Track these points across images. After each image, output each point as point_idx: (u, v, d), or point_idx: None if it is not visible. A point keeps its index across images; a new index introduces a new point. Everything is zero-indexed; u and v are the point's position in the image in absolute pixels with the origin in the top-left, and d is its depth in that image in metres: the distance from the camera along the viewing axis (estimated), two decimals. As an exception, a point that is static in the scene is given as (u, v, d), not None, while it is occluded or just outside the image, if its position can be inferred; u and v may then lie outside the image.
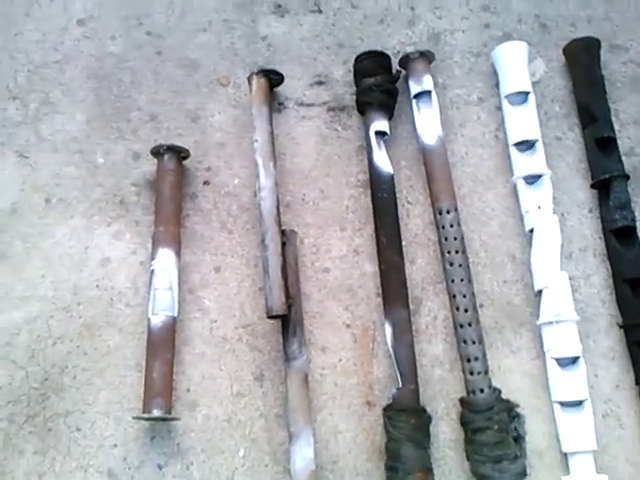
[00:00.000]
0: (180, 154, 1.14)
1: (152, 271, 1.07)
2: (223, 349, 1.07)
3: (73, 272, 1.11)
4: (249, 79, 1.17)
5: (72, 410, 1.04)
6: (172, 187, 1.12)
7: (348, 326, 1.09)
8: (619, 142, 1.17)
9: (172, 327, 1.05)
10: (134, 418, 1.01)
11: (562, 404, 1.02)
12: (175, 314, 1.06)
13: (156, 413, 0.98)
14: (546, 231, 1.08)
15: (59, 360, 1.07)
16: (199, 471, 1.01)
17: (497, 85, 1.22)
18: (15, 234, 1.14)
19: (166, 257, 1.07)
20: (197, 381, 1.06)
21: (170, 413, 1.00)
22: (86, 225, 1.14)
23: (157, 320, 1.04)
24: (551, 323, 1.04)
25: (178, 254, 1.09)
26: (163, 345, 1.03)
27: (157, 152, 1.13)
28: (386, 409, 1.02)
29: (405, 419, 0.98)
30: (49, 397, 1.05)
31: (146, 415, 0.99)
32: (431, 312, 1.10)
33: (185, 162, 1.17)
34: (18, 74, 1.25)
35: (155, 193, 1.13)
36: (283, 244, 1.07)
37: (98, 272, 1.11)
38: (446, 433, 1.03)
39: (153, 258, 1.07)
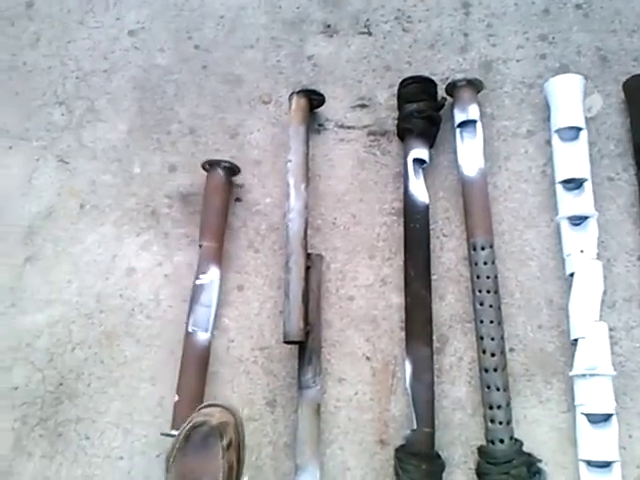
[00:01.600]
0: (232, 171, 1.15)
1: (201, 285, 1.06)
2: (238, 370, 1.05)
3: (99, 279, 1.12)
4: (289, 98, 1.16)
5: (83, 417, 1.05)
6: (223, 204, 1.12)
7: (368, 359, 1.05)
8: (677, 187, 1.09)
9: (209, 346, 1.05)
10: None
11: (589, 464, 0.94)
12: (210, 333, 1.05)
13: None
14: (587, 277, 1.01)
15: (76, 366, 1.07)
16: (200, 494, 0.98)
17: (549, 119, 1.16)
18: (47, 237, 1.16)
19: (214, 274, 1.07)
20: (208, 401, 1.03)
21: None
22: (116, 234, 1.15)
23: (200, 337, 1.03)
24: (584, 376, 0.97)
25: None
26: (201, 363, 1.03)
27: (210, 166, 1.13)
28: (398, 450, 0.97)
29: (416, 464, 0.93)
30: (62, 402, 1.06)
31: (175, 432, 0.95)
32: (457, 352, 1.04)
33: (221, 178, 1.16)
34: (67, 80, 1.29)
35: (204, 208, 1.12)
36: (307, 268, 1.05)
37: (123, 281, 1.12)
38: (461, 482, 0.97)
39: (202, 272, 1.06)
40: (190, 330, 1.03)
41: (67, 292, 1.12)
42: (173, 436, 0.96)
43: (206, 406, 0.92)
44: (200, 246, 1.09)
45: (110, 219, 1.17)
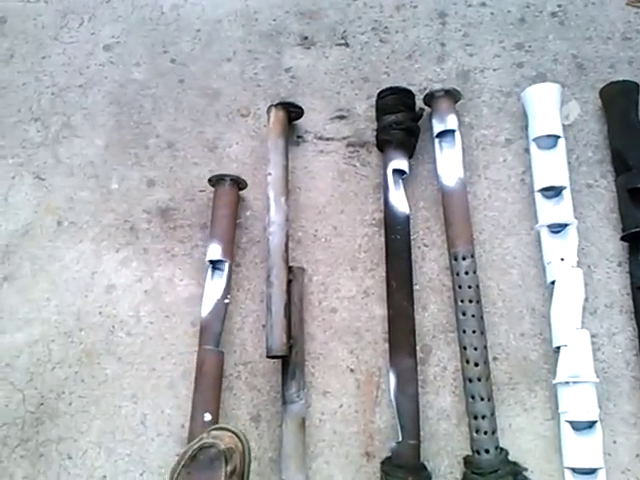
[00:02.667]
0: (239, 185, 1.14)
1: (228, 304, 1.06)
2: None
3: (78, 297, 1.11)
4: (268, 111, 1.15)
5: (65, 437, 1.03)
6: (234, 219, 1.12)
7: (352, 371, 1.05)
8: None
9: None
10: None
11: (574, 471, 0.95)
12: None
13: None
14: (568, 285, 1.02)
15: (56, 385, 1.06)
16: (185, 513, 0.97)
17: (526, 127, 1.16)
18: (25, 255, 1.15)
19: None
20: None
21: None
22: (95, 250, 1.14)
23: (220, 354, 1.03)
24: (567, 384, 0.97)
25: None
26: (220, 381, 1.02)
27: (232, 180, 1.12)
28: (384, 463, 0.97)
29: (402, 476, 0.93)
30: (43, 422, 1.04)
31: None
32: (441, 362, 1.04)
33: (200, 193, 1.15)
34: (42, 96, 1.28)
35: (217, 224, 1.09)
36: (289, 281, 1.04)
37: (102, 298, 1.11)
38: (447, 493, 0.97)
39: (228, 293, 1.07)
40: (220, 349, 1.03)
41: (46, 311, 1.10)
42: None
43: (217, 428, 0.91)
44: (211, 262, 1.07)
45: (88, 236, 1.15)
